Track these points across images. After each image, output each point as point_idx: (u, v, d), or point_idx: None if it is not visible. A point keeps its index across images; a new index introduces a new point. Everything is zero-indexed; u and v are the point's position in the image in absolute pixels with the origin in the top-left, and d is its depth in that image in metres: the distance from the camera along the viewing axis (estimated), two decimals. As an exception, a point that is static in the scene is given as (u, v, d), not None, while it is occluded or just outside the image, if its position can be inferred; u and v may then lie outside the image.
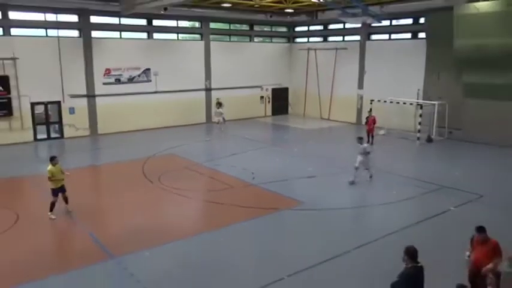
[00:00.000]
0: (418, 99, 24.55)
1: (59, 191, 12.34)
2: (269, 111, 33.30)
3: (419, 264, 6.22)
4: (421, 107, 22.96)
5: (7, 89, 22.07)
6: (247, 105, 31.47)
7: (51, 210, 12.14)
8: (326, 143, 23.68)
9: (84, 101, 24.66)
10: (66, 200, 12.53)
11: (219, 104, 27.37)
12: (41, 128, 23.89)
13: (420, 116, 22.72)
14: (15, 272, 9.21)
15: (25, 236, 11.10)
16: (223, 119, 26.40)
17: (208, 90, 29.51)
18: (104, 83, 25.09)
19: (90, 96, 24.75)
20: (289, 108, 34.31)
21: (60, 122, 24.30)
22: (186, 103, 28.06)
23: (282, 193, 14.28)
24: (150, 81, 26.77)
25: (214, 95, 29.58)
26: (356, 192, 15.17)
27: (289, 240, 10.91)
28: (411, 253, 6.21)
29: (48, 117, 24.14)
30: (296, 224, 11.99)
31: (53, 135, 24.26)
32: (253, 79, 31.43)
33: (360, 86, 28.67)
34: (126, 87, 25.88)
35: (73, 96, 24.09)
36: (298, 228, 11.68)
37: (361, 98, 28.48)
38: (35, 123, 23.52)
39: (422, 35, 25.11)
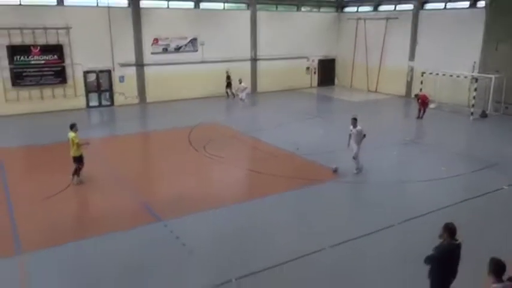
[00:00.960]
0: (473, 72, 23.28)
1: (81, 159, 12.45)
2: (315, 83, 32.79)
3: (457, 241, 6.05)
4: (476, 80, 21.80)
5: (61, 57, 22.96)
6: (293, 76, 31.09)
7: (77, 174, 12.45)
8: (372, 115, 23.07)
9: (133, 70, 25.28)
10: (77, 171, 12.57)
11: (239, 80, 25.34)
12: (93, 96, 24.82)
13: (475, 89, 21.62)
14: (71, 229, 9.80)
15: (80, 198, 11.74)
16: (246, 94, 25.11)
17: (253, 60, 29.36)
18: (152, 53, 25.54)
19: (139, 65, 25.31)
20: (336, 80, 33.60)
21: (110, 90, 25.10)
22: (232, 73, 28.09)
23: (326, 165, 14.17)
24: (197, 50, 26.95)
25: (261, 65, 29.42)
26: (402, 166, 14.83)
27: (332, 211, 10.89)
28: (450, 229, 6.03)
29: (100, 85, 24.98)
30: (339, 196, 11.93)
31: (104, 102, 25.14)
32: (299, 50, 30.90)
33: (411, 57, 27.51)
34: (173, 56, 26.22)
35: (123, 65, 24.73)
36: (341, 201, 11.63)
37: (412, 70, 27.39)
38: (87, 91, 24.45)
39: (481, 3, 23.55)
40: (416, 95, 21.84)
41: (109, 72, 24.69)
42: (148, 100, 25.79)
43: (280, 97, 27.95)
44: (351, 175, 13.09)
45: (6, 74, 21.82)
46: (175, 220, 10.14)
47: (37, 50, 22.30)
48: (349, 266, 8.31)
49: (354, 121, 13.09)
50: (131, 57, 25.03)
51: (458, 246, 6.04)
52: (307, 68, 32.16)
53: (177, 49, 26.34)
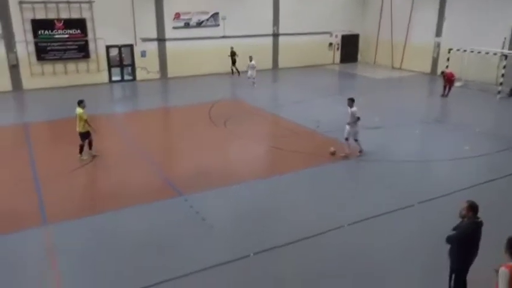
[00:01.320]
0: (502, 48, 22.46)
1: (87, 135, 12.53)
2: (337, 59, 32.25)
3: (479, 219, 5.98)
4: (506, 58, 21.04)
5: (84, 31, 23.13)
6: (315, 52, 30.62)
7: (89, 147, 12.61)
8: (396, 93, 22.67)
9: (154, 45, 25.31)
10: (90, 144, 12.71)
11: (250, 57, 23.10)
12: (115, 71, 25.04)
13: (504, 67, 20.89)
14: (94, 201, 10.08)
15: (103, 171, 12.00)
16: (256, 72, 22.90)
17: (275, 35, 28.98)
18: (174, 27, 25.47)
19: (161, 40, 25.31)
20: (359, 56, 32.95)
21: (132, 64, 25.26)
22: (253, 48, 27.81)
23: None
24: (218, 25, 26.75)
25: (282, 40, 29.04)
26: (424, 145, 14.60)
27: (351, 189, 10.86)
28: (472, 207, 5.95)
29: (122, 60, 25.16)
30: (359, 174, 11.87)
31: (126, 77, 25.37)
32: (322, 25, 30.29)
33: (438, 33, 26.68)
34: (195, 31, 26.09)
35: (144, 39, 24.77)
36: (361, 179, 11.57)
37: (438, 46, 26.60)
38: (109, 66, 24.66)
39: (514, -24, 22.54)
40: (442, 72, 21.28)
41: (131, 47, 24.79)
42: (169, 75, 25.88)
43: (301, 73, 27.63)
44: (372, 153, 12.97)
45: (31, 48, 22.16)
46: (195, 195, 10.29)
47: (60, 24, 22.52)
48: (367, 244, 8.32)
49: (350, 102, 12.42)
50: (153, 32, 25.03)
51: (479, 225, 5.97)
52: (330, 44, 31.60)
53: (199, 24, 26.19)
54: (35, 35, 22.04)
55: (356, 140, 12.69)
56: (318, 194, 10.62)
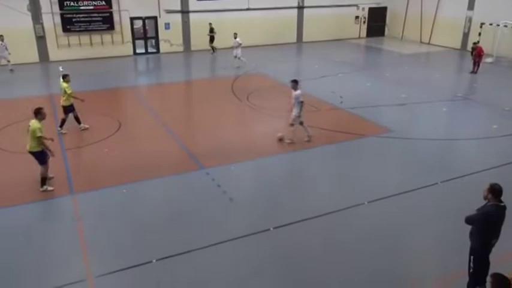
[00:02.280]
0: (538, 23, 21.49)
1: (72, 108, 12.57)
2: (363, 33, 31.47)
3: (502, 204, 5.84)
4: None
5: (109, 3, 23.15)
6: (341, 26, 29.95)
7: (61, 126, 12.59)
8: (423, 69, 22.08)
9: (178, 17, 25.17)
10: (77, 119, 12.76)
11: (235, 34, 21.36)
12: (139, 43, 25.12)
13: (538, 42, 20.05)
14: (118, 172, 10.30)
15: (127, 143, 12.21)
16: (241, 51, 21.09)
17: (300, 8, 28.39)
18: (198, -1, 25.24)
19: (185, 12, 25.13)
20: (386, 30, 32.07)
21: (156, 37, 25.26)
22: (277, 21, 27.40)
23: (370, 119, 13.88)
24: (243, -3, 26.36)
25: (307, 13, 28.44)
26: (451, 123, 14.28)
27: (373, 167, 10.75)
28: (495, 190, 5.80)
29: (146, 32, 25.17)
30: (382, 152, 11.72)
31: (150, 50, 25.43)
32: (349, -3, 29.53)
33: (470, 7, 25.63)
34: (219, 3, 25.77)
35: (168, 11, 24.65)
36: (383, 156, 11.43)
37: (470, 20, 25.61)
38: (134, 38, 24.73)
39: None
40: (474, 43, 20.37)
41: (155, 19, 24.73)
42: (192, 48, 25.80)
43: (326, 47, 27.14)
44: (397, 131, 12.77)
45: (57, 19, 22.37)
46: (217, 168, 10.39)
47: (86, -4, 22.61)
48: (387, 222, 8.29)
49: (294, 84, 11.60)
50: (177, 4, 24.86)
51: (502, 208, 5.84)
52: (357, 17, 30.80)
53: (223, -4, 25.83)
54: (61, 6, 22.20)
55: (301, 124, 11.84)
56: (340, 170, 10.58)
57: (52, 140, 9.50)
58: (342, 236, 7.87)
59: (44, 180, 9.24)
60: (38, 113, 9.15)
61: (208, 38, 24.64)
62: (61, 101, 12.54)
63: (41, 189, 9.20)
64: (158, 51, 25.41)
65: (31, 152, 9.12)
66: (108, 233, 7.91)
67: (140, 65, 23.77)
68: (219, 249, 7.42)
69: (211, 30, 24.56)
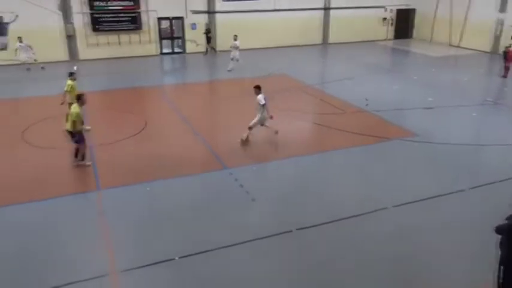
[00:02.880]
0: None
1: (79, 97, 12.47)
2: (391, 35, 31.07)
3: None
4: None
5: (137, 3, 23.54)
6: (367, 27, 29.64)
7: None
8: (452, 72, 21.60)
9: (204, 18, 25.36)
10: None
11: (235, 36, 21.22)
12: (166, 43, 25.45)
13: None
14: (144, 170, 10.45)
15: (152, 142, 12.37)
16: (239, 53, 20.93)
17: (326, 9, 28.20)
18: (224, 0, 25.32)
19: (211, 12, 25.31)
20: (414, 32, 31.53)
21: (182, 37, 25.54)
22: (303, 23, 27.31)
23: (396, 122, 13.66)
24: (269, -2, 26.33)
25: (333, 14, 28.23)
26: (480, 128, 13.93)
27: (398, 171, 10.58)
28: None
29: (173, 32, 25.48)
30: (407, 156, 11.52)
31: (176, 49, 25.73)
32: (376, -2, 29.18)
33: (502, 9, 24.95)
34: (245, 4, 25.79)
35: (195, 12, 24.87)
36: (409, 161, 11.23)
37: (502, 23, 24.92)
38: (160, 38, 25.07)
39: None
40: (506, 47, 19.82)
41: (181, 19, 25.00)
42: (218, 48, 25.95)
43: (352, 49, 26.90)
44: (423, 135, 12.54)
45: (87, 19, 22.87)
46: (240, 168, 10.42)
47: (115, -4, 23.06)
48: (412, 227, 8.13)
49: (257, 90, 11.93)
50: (203, 4, 25.06)
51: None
52: (384, 19, 30.42)
53: (249, -3, 25.87)
54: (91, 6, 22.70)
55: (263, 125, 12.12)
56: (363, 174, 10.44)
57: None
58: (364, 239, 7.75)
59: (84, 155, 10.38)
60: (79, 99, 10.23)
61: (205, 38, 25.06)
62: (67, 98, 12.49)
63: (85, 162, 10.38)
64: (184, 51, 25.68)
65: (69, 132, 10.14)
66: (131, 230, 8.03)
67: (166, 65, 24.07)
68: (241, 249, 7.42)
69: (208, 31, 24.99)
